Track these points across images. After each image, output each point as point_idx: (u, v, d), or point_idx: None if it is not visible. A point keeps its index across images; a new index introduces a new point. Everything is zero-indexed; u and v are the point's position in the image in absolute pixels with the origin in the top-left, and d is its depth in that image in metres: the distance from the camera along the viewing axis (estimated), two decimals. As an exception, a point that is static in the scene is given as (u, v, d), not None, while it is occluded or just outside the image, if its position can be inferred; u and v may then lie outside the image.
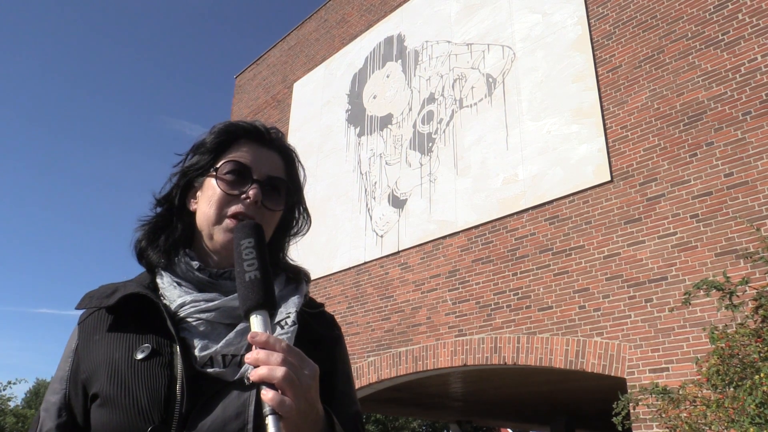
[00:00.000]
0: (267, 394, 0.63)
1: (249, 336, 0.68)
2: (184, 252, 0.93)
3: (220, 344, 0.83)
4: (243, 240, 0.75)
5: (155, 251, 0.94)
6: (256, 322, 0.70)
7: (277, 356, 0.66)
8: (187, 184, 0.97)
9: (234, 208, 0.91)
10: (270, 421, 0.62)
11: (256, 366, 0.66)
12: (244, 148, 0.95)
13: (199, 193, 0.96)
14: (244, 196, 0.91)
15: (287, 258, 1.04)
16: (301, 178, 1.03)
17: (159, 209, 0.98)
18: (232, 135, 0.96)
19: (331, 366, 0.93)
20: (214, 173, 0.93)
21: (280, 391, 0.64)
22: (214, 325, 0.86)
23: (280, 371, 0.64)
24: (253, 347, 0.67)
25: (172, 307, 0.87)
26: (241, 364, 0.83)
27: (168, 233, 0.95)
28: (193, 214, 0.96)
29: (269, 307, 0.71)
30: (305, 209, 1.04)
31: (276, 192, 0.95)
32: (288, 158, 1.00)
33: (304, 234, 1.05)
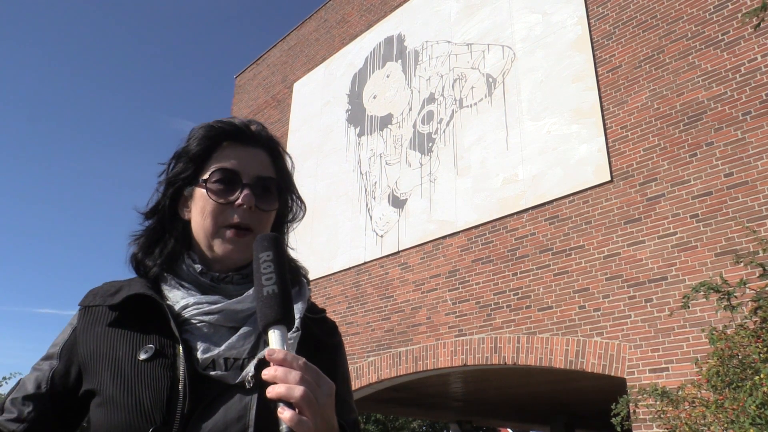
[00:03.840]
0: (284, 414, 0.63)
1: (267, 353, 0.67)
2: (186, 254, 0.93)
3: (223, 347, 0.83)
4: (262, 253, 0.74)
5: (152, 261, 0.94)
6: (273, 337, 0.69)
7: (295, 374, 0.65)
8: (175, 192, 0.95)
9: (230, 218, 0.91)
10: None
11: (273, 383, 0.65)
12: (228, 152, 0.94)
13: (190, 203, 0.95)
14: (236, 203, 0.91)
15: (289, 250, 1.03)
16: (289, 166, 1.01)
17: (149, 222, 0.97)
18: (213, 140, 0.94)
19: (332, 373, 0.92)
20: (204, 183, 0.92)
21: (297, 410, 0.64)
22: (216, 328, 0.86)
23: (298, 390, 0.64)
24: (271, 363, 0.67)
25: (176, 308, 0.87)
26: (242, 367, 0.83)
27: (162, 246, 0.94)
28: (187, 222, 0.95)
29: (287, 322, 0.71)
30: (297, 196, 1.03)
31: (267, 191, 0.94)
32: (273, 151, 0.99)
33: (300, 220, 1.04)
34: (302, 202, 1.04)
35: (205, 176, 0.92)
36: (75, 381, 0.86)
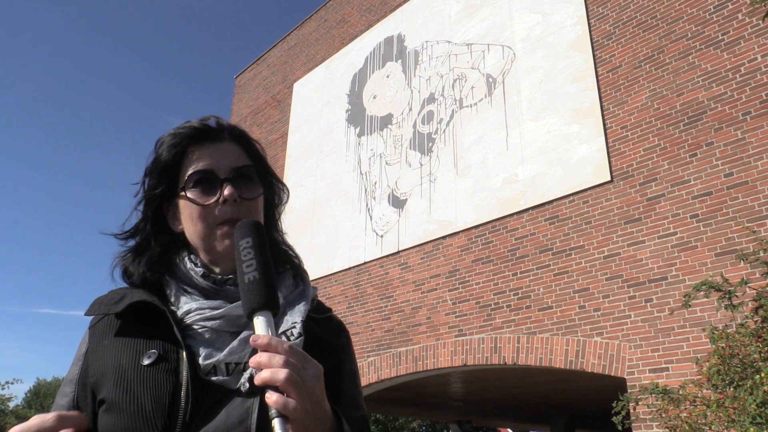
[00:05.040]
0: (271, 397, 0.63)
1: (251, 339, 0.67)
2: (188, 259, 0.93)
3: (224, 353, 0.83)
4: (241, 241, 0.74)
5: (140, 270, 0.93)
6: (258, 323, 0.69)
7: (279, 358, 0.65)
8: (157, 209, 0.95)
9: (219, 217, 0.90)
10: (276, 423, 0.62)
11: (259, 369, 0.65)
12: (197, 154, 0.93)
13: (178, 214, 0.94)
14: (220, 200, 0.90)
15: (284, 235, 1.03)
16: (260, 150, 1.00)
17: (133, 241, 0.96)
18: (179, 147, 0.93)
19: (336, 371, 0.92)
20: (183, 192, 0.91)
21: (284, 394, 0.64)
22: (219, 333, 0.86)
23: (282, 373, 0.64)
24: (258, 350, 0.67)
25: (179, 313, 0.87)
26: (244, 372, 0.83)
27: (149, 256, 0.94)
28: (180, 234, 0.95)
29: (271, 307, 0.71)
30: (277, 179, 1.02)
31: (247, 180, 0.93)
32: (241, 140, 0.98)
33: (286, 203, 1.04)
34: (283, 184, 1.03)
35: (182, 184, 0.92)
36: (93, 403, 0.86)
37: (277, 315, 0.74)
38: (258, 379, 0.65)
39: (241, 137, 0.98)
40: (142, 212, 0.95)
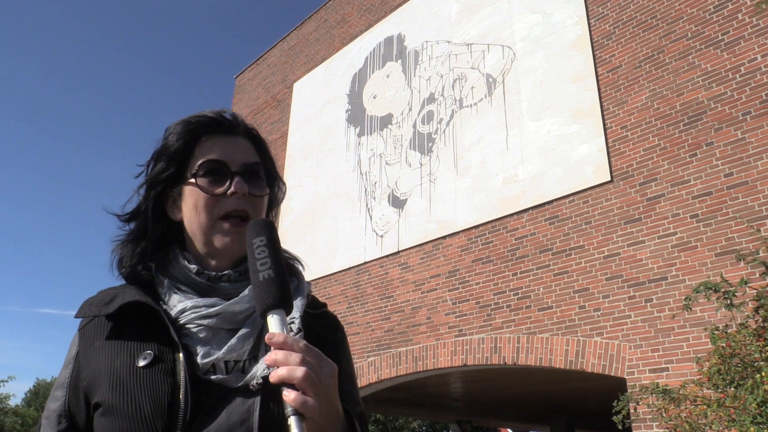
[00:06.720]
0: (289, 395, 0.63)
1: (266, 337, 0.67)
2: (181, 255, 0.91)
3: (222, 351, 0.82)
4: (255, 238, 0.74)
5: (134, 264, 0.92)
6: (272, 322, 0.69)
7: (295, 356, 0.65)
8: (159, 194, 0.93)
9: (225, 208, 0.89)
10: (293, 421, 0.62)
11: (275, 367, 0.65)
12: (210, 144, 0.92)
13: (180, 202, 0.93)
14: (229, 192, 0.89)
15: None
16: (269, 150, 1.01)
17: (131, 225, 0.95)
18: (192, 134, 0.93)
19: None
20: (192, 179, 0.90)
21: (301, 392, 0.64)
22: (215, 331, 0.84)
23: (300, 371, 0.64)
24: (272, 348, 0.66)
25: (173, 312, 0.86)
26: (243, 369, 0.82)
27: (147, 248, 0.93)
28: (177, 223, 0.94)
29: (285, 306, 0.70)
30: (279, 178, 1.01)
31: (256, 177, 0.93)
32: (252, 136, 0.98)
33: (281, 201, 1.04)
34: (283, 183, 1.03)
35: (193, 171, 0.91)
36: (86, 407, 0.85)
37: (290, 314, 0.73)
38: (274, 377, 0.64)
39: (253, 134, 0.99)
40: (144, 195, 0.94)
